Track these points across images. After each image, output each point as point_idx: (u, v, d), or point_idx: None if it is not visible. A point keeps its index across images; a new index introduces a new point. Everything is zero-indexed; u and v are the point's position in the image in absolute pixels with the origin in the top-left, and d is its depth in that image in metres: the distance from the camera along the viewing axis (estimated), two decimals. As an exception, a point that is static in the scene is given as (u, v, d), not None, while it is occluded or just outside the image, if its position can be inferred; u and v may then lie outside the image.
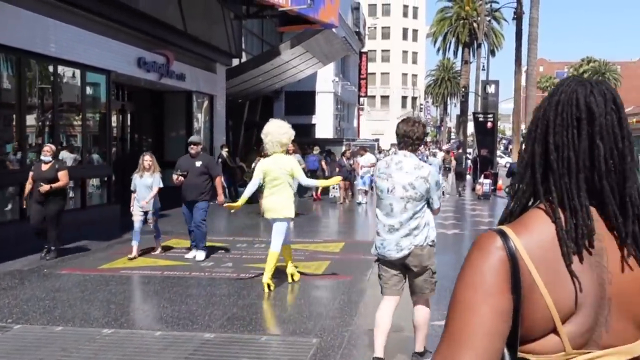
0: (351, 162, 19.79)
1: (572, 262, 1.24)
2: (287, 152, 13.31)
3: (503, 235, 1.26)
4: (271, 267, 7.60)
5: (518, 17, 24.18)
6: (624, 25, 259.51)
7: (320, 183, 10.82)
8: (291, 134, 7.88)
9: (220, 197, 9.70)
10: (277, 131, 7.75)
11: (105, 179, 13.96)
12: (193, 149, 9.71)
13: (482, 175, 22.81)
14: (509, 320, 1.22)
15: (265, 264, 7.71)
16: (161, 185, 9.80)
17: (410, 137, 4.86)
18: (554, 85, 1.63)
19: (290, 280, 8.10)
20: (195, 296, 7.46)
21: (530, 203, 1.38)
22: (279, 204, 7.60)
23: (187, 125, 18.61)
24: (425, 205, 4.86)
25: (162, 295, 7.45)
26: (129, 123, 18.01)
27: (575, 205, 1.29)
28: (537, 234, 1.27)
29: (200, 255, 9.60)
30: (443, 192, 28.15)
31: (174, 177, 9.56)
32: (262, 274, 7.75)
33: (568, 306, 1.23)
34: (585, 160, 1.30)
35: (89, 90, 13.45)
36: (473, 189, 24.22)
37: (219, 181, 9.82)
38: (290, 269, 8.15)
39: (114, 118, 15.74)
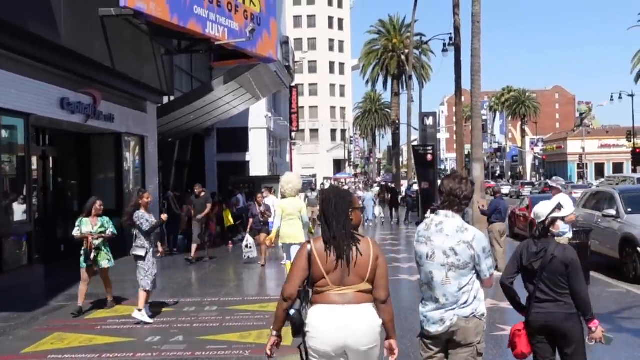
0: (261, 208, 15.38)
1: (330, 253, 3.82)
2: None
3: (310, 242, 3.92)
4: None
5: (456, 47, 23.92)
6: (538, 55, 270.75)
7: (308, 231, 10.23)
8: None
9: None
10: (297, 181, 10.06)
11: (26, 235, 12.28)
12: None
13: (429, 210, 22.08)
14: (307, 272, 3.83)
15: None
16: None
17: (457, 196, 4.18)
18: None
19: None
20: (146, 390, 6.09)
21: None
22: (295, 232, 9.74)
23: (116, 170, 17.01)
24: (475, 277, 4.10)
25: (105, 392, 6.04)
26: (51, 170, 16.29)
27: (335, 233, 3.84)
28: (320, 244, 3.86)
29: None
30: (377, 217, 27.43)
31: None
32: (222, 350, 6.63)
33: (329, 269, 3.80)
34: (334, 215, 3.88)
35: (4, 135, 11.86)
36: (417, 224, 23.46)
37: None
38: None
39: (34, 165, 14.07)
